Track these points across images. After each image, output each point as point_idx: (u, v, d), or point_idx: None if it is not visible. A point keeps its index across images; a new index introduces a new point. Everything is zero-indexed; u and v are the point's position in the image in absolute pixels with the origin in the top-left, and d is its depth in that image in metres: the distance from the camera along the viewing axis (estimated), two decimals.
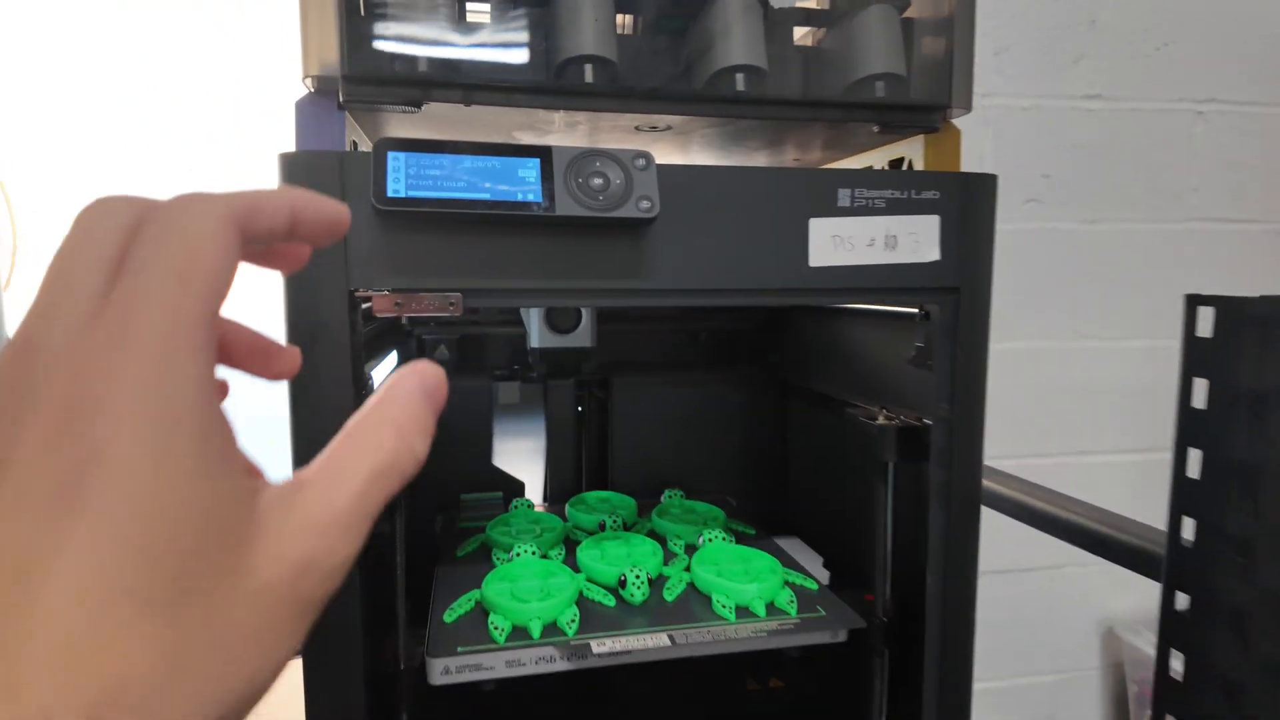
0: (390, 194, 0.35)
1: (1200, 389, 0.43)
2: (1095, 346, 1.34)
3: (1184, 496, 0.44)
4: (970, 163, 0.46)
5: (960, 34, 0.45)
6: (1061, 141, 1.28)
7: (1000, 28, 1.24)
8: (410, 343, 0.72)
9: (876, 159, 0.54)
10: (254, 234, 0.21)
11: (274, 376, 0.26)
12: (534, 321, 0.64)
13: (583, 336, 0.67)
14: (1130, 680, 1.37)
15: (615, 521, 0.61)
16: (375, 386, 0.50)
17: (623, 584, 0.50)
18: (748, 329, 0.78)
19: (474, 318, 0.72)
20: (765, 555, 0.55)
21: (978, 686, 0.47)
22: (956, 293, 0.45)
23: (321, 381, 0.38)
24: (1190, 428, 0.43)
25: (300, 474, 0.20)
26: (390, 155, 0.36)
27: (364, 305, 0.39)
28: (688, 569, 0.54)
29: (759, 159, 0.60)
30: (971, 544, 0.47)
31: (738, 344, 0.80)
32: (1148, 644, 1.32)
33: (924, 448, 0.49)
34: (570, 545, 0.59)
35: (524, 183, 0.37)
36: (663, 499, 0.68)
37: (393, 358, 0.64)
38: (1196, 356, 0.43)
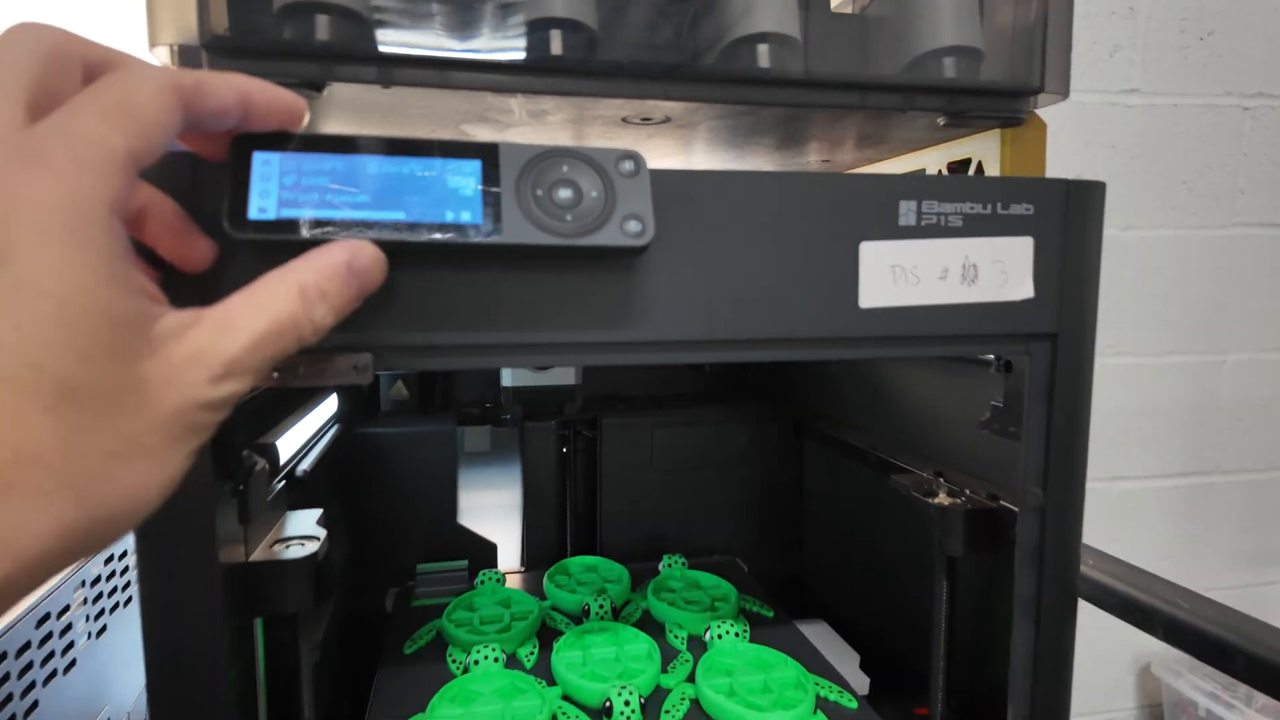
0: (254, 215, 0.24)
1: None
2: (1132, 363, 1.23)
3: None
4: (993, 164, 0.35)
5: None
6: (1097, 140, 1.17)
7: None
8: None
9: (930, 160, 0.43)
10: (199, 110, 0.21)
11: (186, 264, 0.25)
12: None
13: (565, 372, 0.56)
14: None
15: (603, 606, 0.49)
16: (281, 458, 0.38)
17: (608, 711, 0.39)
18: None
19: None
20: (789, 661, 0.43)
21: None
22: (1053, 340, 0.33)
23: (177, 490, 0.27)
24: None
25: (200, 310, 0.20)
26: (257, 157, 0.24)
27: None
28: (691, 677, 0.43)
29: (771, 160, 0.48)
30: (1064, 664, 0.36)
31: (746, 376, 0.68)
32: (1189, 686, 1.21)
33: (1000, 536, 0.37)
34: (547, 636, 0.48)
35: (457, 196, 0.26)
36: (661, 568, 0.57)
37: (330, 403, 0.53)
38: None
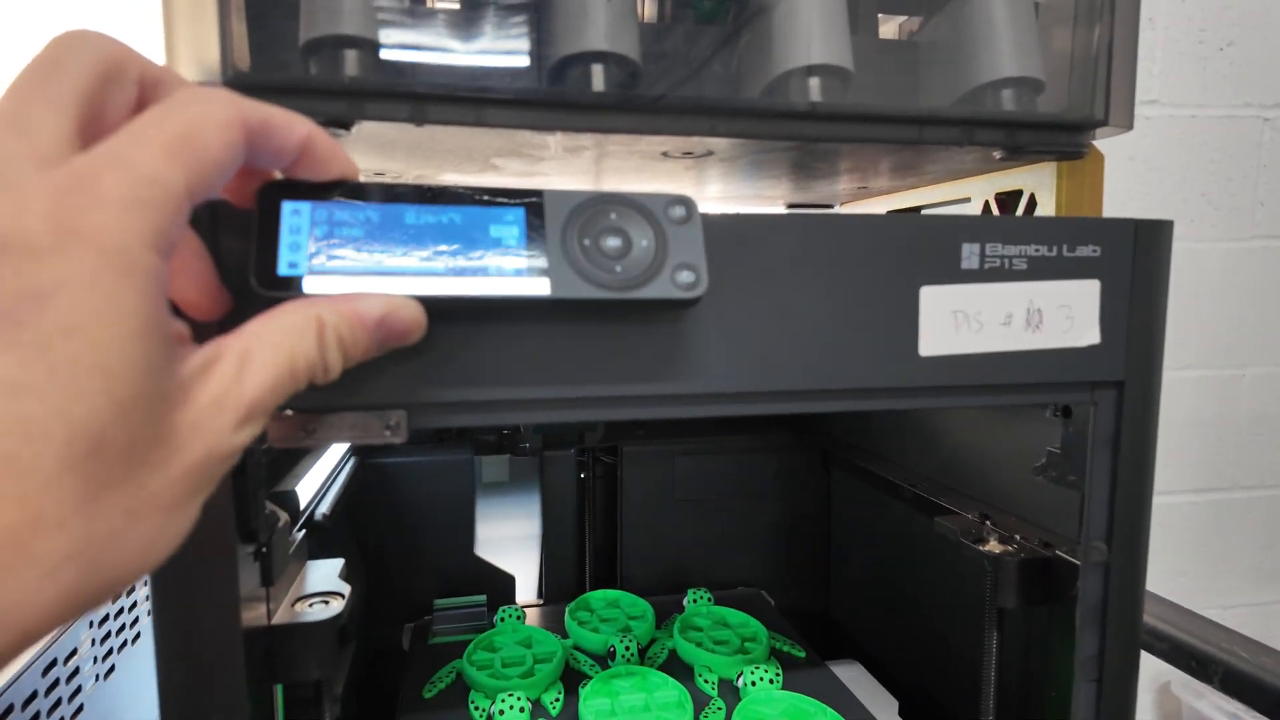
0: (284, 271, 0.22)
1: None
2: None
3: None
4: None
5: (1122, 21, 0.32)
6: (1114, 152, 1.15)
7: None
8: None
9: (977, 190, 0.41)
10: (260, 148, 0.20)
11: (196, 313, 0.23)
12: None
13: None
14: None
15: (628, 649, 0.48)
16: (300, 504, 0.37)
17: None
18: None
19: None
20: (827, 712, 0.41)
21: None
22: (1120, 388, 0.31)
23: (190, 544, 0.25)
24: None
25: (219, 343, 0.19)
26: (286, 207, 0.23)
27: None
28: None
29: (802, 186, 0.46)
30: None
31: None
32: (1210, 707, 1.19)
33: (1055, 589, 0.36)
34: (571, 679, 0.46)
35: (500, 245, 0.24)
36: (686, 604, 0.55)
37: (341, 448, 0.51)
38: None
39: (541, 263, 0.24)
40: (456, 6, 0.28)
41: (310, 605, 0.31)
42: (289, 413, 0.25)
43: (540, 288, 0.24)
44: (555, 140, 0.31)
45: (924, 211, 0.47)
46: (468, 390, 0.26)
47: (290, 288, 0.22)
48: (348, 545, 0.52)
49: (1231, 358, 1.25)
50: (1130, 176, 1.18)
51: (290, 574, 0.34)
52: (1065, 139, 0.33)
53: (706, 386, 0.28)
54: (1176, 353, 1.20)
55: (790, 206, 0.57)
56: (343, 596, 0.32)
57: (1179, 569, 1.24)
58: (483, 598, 0.54)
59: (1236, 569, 1.28)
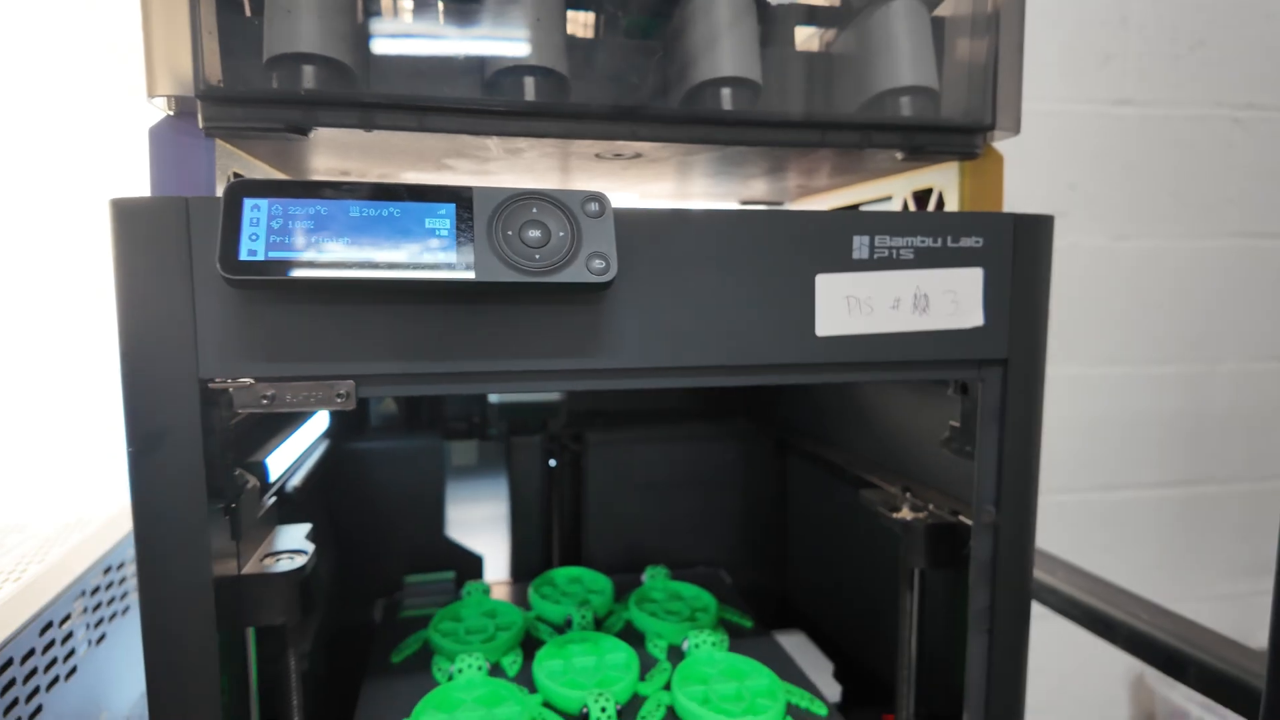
0: (244, 256, 0.26)
1: None
2: (1123, 372, 1.24)
3: None
4: None
5: (1007, 35, 0.35)
6: (1088, 150, 1.18)
7: None
8: None
9: (899, 187, 0.45)
10: None
11: None
12: None
13: None
14: None
15: (585, 617, 0.51)
16: (271, 476, 0.40)
17: (585, 717, 0.41)
18: None
19: None
20: (763, 670, 0.45)
21: None
22: (1004, 365, 0.35)
23: (165, 497, 0.29)
24: None
25: None
26: (247, 203, 0.26)
27: (225, 395, 0.30)
28: (668, 686, 0.45)
29: (754, 188, 0.50)
30: (1018, 675, 0.38)
31: (731, 394, 0.70)
32: (1182, 697, 1.22)
33: (960, 553, 0.39)
34: (531, 646, 0.49)
35: (434, 236, 0.28)
36: (644, 579, 0.58)
37: (320, 419, 0.55)
38: None
39: (469, 251, 0.28)
40: (402, 27, 0.32)
41: (278, 561, 0.35)
42: (249, 381, 0.29)
43: (467, 273, 0.27)
44: (494, 143, 0.34)
45: (859, 208, 0.51)
46: (408, 363, 0.30)
47: (250, 271, 0.26)
48: (323, 525, 0.56)
49: (1203, 353, 1.28)
50: (1104, 174, 1.20)
51: (260, 536, 0.37)
52: (960, 141, 0.36)
53: (625, 362, 0.31)
54: (1150, 348, 1.23)
55: (743, 203, 0.61)
56: (307, 554, 0.35)
57: (1154, 562, 1.27)
58: (451, 574, 0.58)
59: (1211, 562, 1.31)
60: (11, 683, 0.41)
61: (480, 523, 0.62)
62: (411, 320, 0.29)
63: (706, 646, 0.48)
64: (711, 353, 0.32)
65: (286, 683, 0.36)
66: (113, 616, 0.53)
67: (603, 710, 0.40)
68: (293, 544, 0.36)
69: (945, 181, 0.40)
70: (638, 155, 0.37)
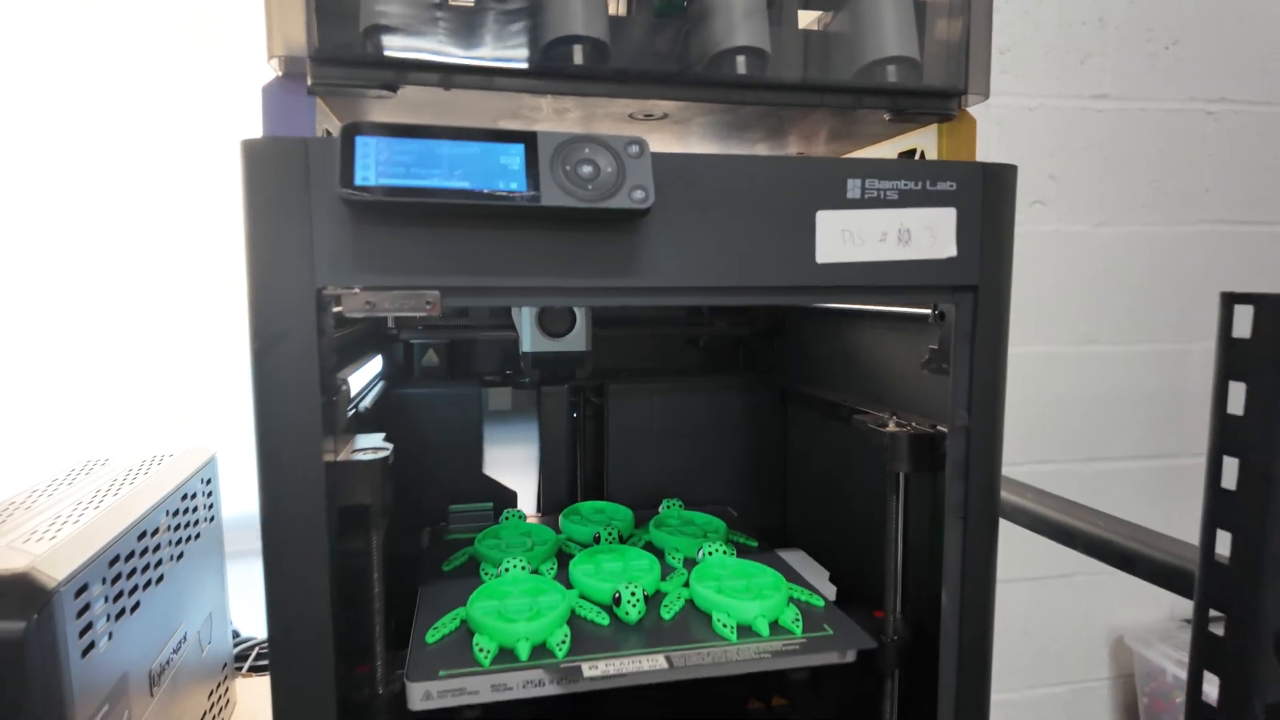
0: (359, 182, 0.32)
1: (1237, 393, 0.40)
2: (1104, 351, 1.30)
3: (1219, 508, 0.41)
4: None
5: (977, 15, 0.42)
6: (1069, 142, 1.25)
7: (1006, 25, 1.21)
8: (397, 347, 0.69)
9: (886, 151, 0.51)
10: None
11: None
12: (526, 325, 0.61)
13: (577, 340, 0.64)
14: (1141, 692, 1.33)
15: (610, 534, 0.58)
16: (351, 392, 0.47)
17: (617, 601, 0.47)
18: (748, 334, 0.75)
19: (464, 321, 0.69)
20: (768, 570, 0.52)
21: None
22: (974, 291, 0.41)
23: (285, 388, 0.35)
24: (1226, 434, 0.40)
25: None
26: (359, 140, 0.33)
27: (335, 308, 0.36)
28: (686, 584, 0.51)
29: (760, 151, 0.56)
30: (989, 560, 0.44)
31: (738, 349, 0.76)
32: (1159, 655, 1.28)
33: (938, 457, 0.45)
34: (563, 559, 0.56)
35: (507, 170, 0.34)
36: (660, 510, 0.65)
37: (376, 362, 0.61)
38: (1233, 358, 0.40)
39: (535, 182, 0.34)
40: (473, 3, 0.39)
41: (364, 454, 0.41)
42: (355, 290, 0.35)
43: (535, 199, 0.34)
44: (546, 103, 0.41)
45: None
46: (484, 278, 0.36)
47: (364, 192, 0.32)
48: None
49: (1181, 334, 1.34)
50: (1085, 165, 1.27)
51: (345, 441, 0.44)
52: (937, 104, 0.43)
53: (657, 281, 0.38)
54: (1130, 328, 1.30)
55: None
56: (387, 449, 0.42)
57: None
58: (490, 504, 0.64)
59: (1189, 527, 1.37)
60: (118, 576, 0.47)
61: (514, 462, 0.68)
62: (485, 242, 0.36)
63: (719, 554, 0.54)
64: (730, 275, 0.38)
65: (369, 560, 0.42)
66: (189, 539, 0.60)
67: (632, 594, 0.47)
68: (372, 444, 0.43)
69: (926, 143, 0.47)
70: (665, 115, 0.44)
